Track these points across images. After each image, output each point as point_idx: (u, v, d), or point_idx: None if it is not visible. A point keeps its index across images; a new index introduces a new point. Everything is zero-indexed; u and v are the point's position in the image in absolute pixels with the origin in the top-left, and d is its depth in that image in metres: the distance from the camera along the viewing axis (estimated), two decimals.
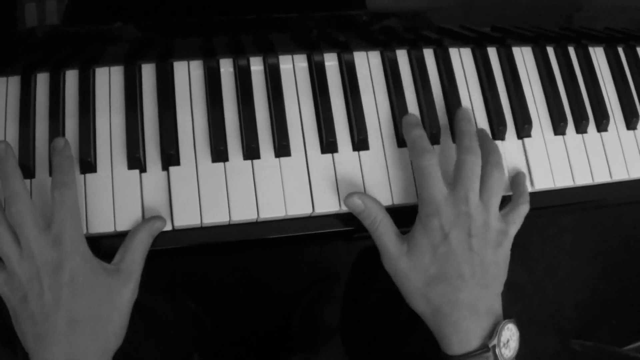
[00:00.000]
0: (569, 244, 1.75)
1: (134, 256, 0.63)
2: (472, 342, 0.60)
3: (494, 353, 0.60)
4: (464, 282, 0.61)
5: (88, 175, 0.66)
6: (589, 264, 1.75)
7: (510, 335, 0.62)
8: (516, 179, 0.72)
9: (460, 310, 0.61)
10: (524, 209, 0.68)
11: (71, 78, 0.70)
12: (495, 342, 0.60)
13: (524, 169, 0.75)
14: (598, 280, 1.74)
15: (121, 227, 0.65)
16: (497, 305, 0.64)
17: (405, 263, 0.63)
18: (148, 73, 0.71)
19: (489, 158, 0.67)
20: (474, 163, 0.64)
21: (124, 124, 0.69)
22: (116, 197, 0.66)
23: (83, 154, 0.66)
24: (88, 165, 0.66)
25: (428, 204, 0.63)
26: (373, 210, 0.65)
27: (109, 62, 0.71)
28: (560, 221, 1.75)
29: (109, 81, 0.70)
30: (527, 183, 0.73)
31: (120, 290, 0.61)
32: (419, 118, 0.72)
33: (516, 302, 1.68)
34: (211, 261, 1.09)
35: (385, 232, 0.65)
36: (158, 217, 0.66)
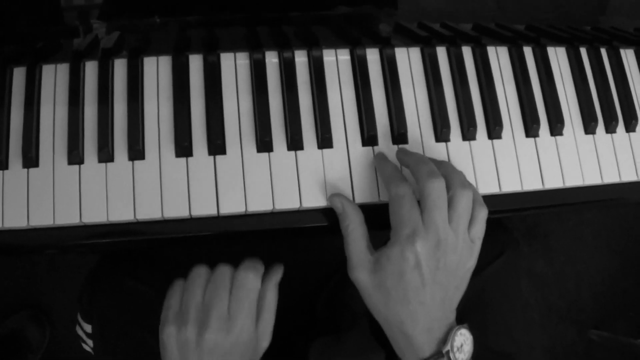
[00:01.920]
0: (589, 236, 1.71)
1: (269, 316, 0.69)
2: (426, 351, 0.61)
3: (448, 358, 0.61)
4: (424, 307, 0.61)
5: (136, 162, 0.66)
6: (609, 256, 1.72)
7: (463, 340, 0.62)
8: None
9: (416, 329, 0.61)
10: (484, 215, 0.66)
11: (119, 67, 0.69)
12: (448, 347, 0.61)
13: (556, 167, 0.73)
14: (617, 273, 1.72)
15: (168, 213, 0.65)
16: (451, 317, 0.64)
17: (369, 279, 0.63)
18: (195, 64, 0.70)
19: (452, 180, 0.63)
20: (439, 188, 0.62)
21: (172, 113, 0.68)
22: (163, 183, 0.66)
23: (132, 142, 0.65)
24: (137, 152, 0.65)
25: (402, 230, 0.61)
26: (348, 217, 0.64)
27: (157, 52, 0.70)
28: (581, 214, 1.71)
29: (156, 70, 0.70)
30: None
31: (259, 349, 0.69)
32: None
33: (536, 291, 1.65)
34: (237, 249, 1.12)
35: (354, 241, 0.64)
36: (277, 268, 0.72)
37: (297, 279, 1.17)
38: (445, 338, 0.62)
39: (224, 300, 0.65)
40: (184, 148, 0.67)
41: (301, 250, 1.09)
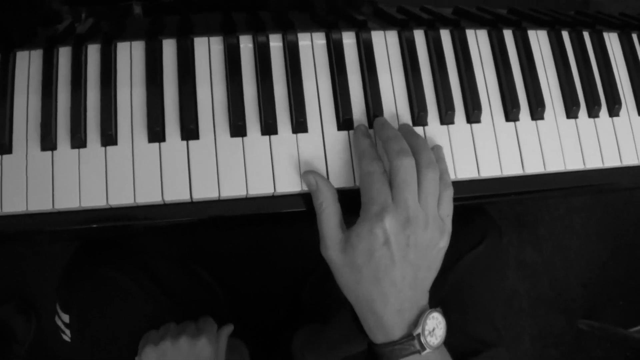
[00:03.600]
0: (578, 224, 1.69)
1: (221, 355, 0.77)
2: (396, 332, 0.60)
3: (419, 341, 0.59)
4: (394, 286, 0.60)
5: (109, 148, 0.64)
6: (598, 244, 1.70)
7: (436, 324, 0.61)
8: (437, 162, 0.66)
9: (386, 308, 0.60)
10: (450, 194, 0.65)
11: (93, 52, 0.68)
12: (419, 330, 0.59)
13: (537, 152, 0.71)
14: (606, 261, 1.69)
15: (141, 199, 0.63)
16: (423, 299, 0.63)
17: (340, 257, 0.61)
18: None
19: (420, 159, 0.62)
20: (408, 166, 0.61)
21: (145, 98, 0.66)
22: (136, 169, 0.64)
23: (104, 127, 0.64)
24: (109, 138, 0.64)
25: (371, 207, 0.60)
26: (322, 194, 0.63)
27: (131, 37, 0.68)
28: (571, 202, 1.69)
29: (130, 56, 0.68)
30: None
31: None
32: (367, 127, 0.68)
33: (525, 280, 1.63)
34: (222, 235, 1.11)
35: (327, 219, 0.63)
36: (228, 325, 0.82)
37: (282, 268, 1.17)
38: (417, 321, 0.61)
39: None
40: (156, 133, 0.65)
41: (286, 238, 1.07)
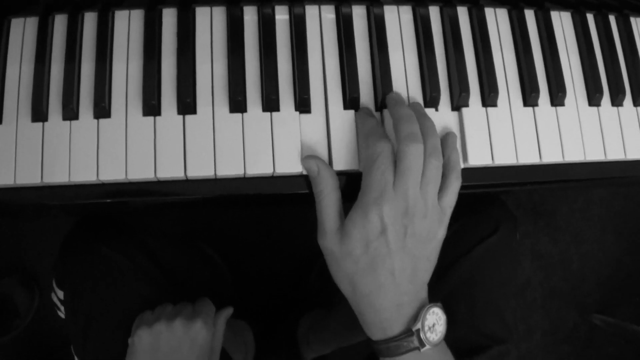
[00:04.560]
0: (597, 217, 1.62)
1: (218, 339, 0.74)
2: (395, 328, 0.57)
3: (419, 337, 0.56)
4: (392, 278, 0.56)
5: (101, 121, 0.60)
6: (616, 238, 1.62)
7: (436, 320, 0.57)
8: (444, 146, 0.62)
9: (384, 302, 0.56)
10: (457, 185, 0.60)
11: (90, 21, 0.64)
12: (419, 326, 0.56)
13: (556, 140, 0.66)
14: (623, 256, 1.62)
15: (132, 175, 0.59)
16: (422, 293, 0.59)
17: (337, 247, 0.57)
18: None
19: (426, 145, 0.58)
20: (416, 153, 0.56)
21: (142, 70, 0.62)
22: (129, 143, 0.60)
23: (97, 98, 0.60)
24: (102, 110, 0.60)
25: (371, 191, 0.56)
26: (323, 181, 0.59)
27: (130, 6, 0.64)
28: (590, 193, 1.61)
29: (128, 25, 0.64)
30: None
31: None
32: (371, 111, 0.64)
33: (539, 271, 1.56)
34: (231, 215, 1.08)
35: (327, 207, 0.58)
36: (227, 308, 0.78)
37: (291, 250, 1.13)
38: (416, 316, 0.57)
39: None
40: (151, 106, 0.60)
41: (296, 220, 1.03)
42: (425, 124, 0.59)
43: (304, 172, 0.61)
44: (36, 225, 1.31)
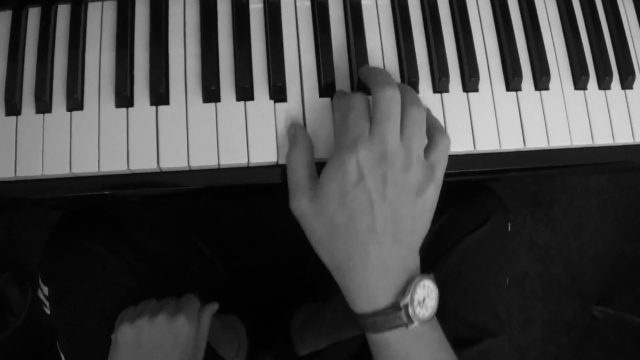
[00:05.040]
0: (595, 206, 1.58)
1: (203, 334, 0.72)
2: (381, 300, 0.51)
3: (407, 313, 0.50)
4: (374, 235, 0.51)
5: (74, 113, 0.58)
6: (615, 228, 1.58)
7: (427, 293, 0.52)
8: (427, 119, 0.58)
9: (367, 267, 0.51)
10: (445, 143, 0.55)
11: (63, 13, 0.62)
12: (407, 300, 0.50)
13: (541, 126, 0.63)
14: (623, 246, 1.58)
15: (105, 167, 0.57)
16: (411, 261, 0.53)
17: (310, 206, 0.53)
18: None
19: (405, 96, 0.54)
20: (392, 98, 0.52)
21: (114, 61, 0.60)
22: (102, 135, 0.58)
23: (70, 91, 0.58)
24: (75, 102, 0.58)
25: (345, 143, 0.52)
26: (298, 143, 0.56)
27: None
28: (588, 182, 1.58)
29: (101, 16, 0.62)
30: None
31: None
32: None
33: (538, 262, 1.53)
34: (225, 207, 1.06)
35: (296, 167, 0.55)
36: (212, 303, 0.75)
37: (285, 244, 1.11)
38: (405, 288, 0.51)
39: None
40: (123, 97, 0.59)
41: (290, 213, 1.02)
42: (403, 85, 0.57)
43: (281, 162, 0.59)
44: (29, 222, 1.30)
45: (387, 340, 0.52)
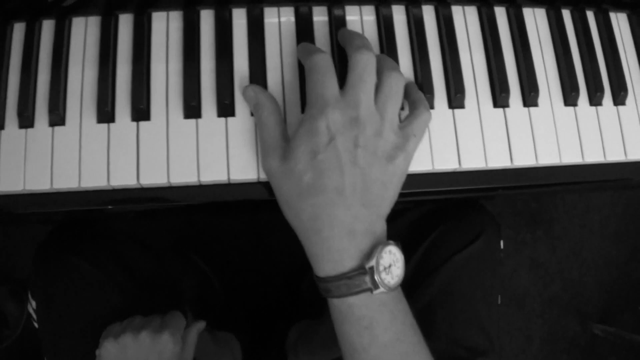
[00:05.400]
0: (597, 223, 1.54)
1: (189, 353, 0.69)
2: (346, 263, 0.50)
3: (372, 277, 0.49)
4: (342, 197, 0.49)
5: (56, 128, 0.58)
6: (617, 245, 1.55)
7: (392, 260, 0.50)
8: (408, 87, 0.58)
9: (334, 228, 0.49)
10: (425, 117, 0.55)
11: (47, 28, 0.61)
12: (373, 263, 0.49)
13: (529, 142, 0.61)
14: (625, 263, 1.54)
15: (85, 183, 0.56)
16: (379, 227, 0.52)
17: (279, 165, 0.52)
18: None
19: (384, 63, 0.53)
20: (367, 61, 0.51)
21: (97, 77, 0.59)
22: (83, 151, 0.57)
23: (52, 106, 0.58)
24: (57, 117, 0.58)
25: (315, 104, 0.51)
26: (263, 105, 0.55)
27: (86, 13, 0.61)
28: (589, 200, 1.55)
29: (85, 32, 0.61)
30: None
31: None
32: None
33: (537, 280, 1.50)
34: (222, 224, 1.05)
35: (267, 128, 0.54)
36: (199, 321, 0.73)
37: (283, 259, 1.10)
38: (371, 252, 0.50)
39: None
40: (105, 113, 0.58)
41: (286, 228, 1.01)
42: (382, 55, 0.56)
43: (262, 179, 0.58)
44: (25, 235, 1.30)
45: (350, 305, 0.50)
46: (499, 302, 0.79)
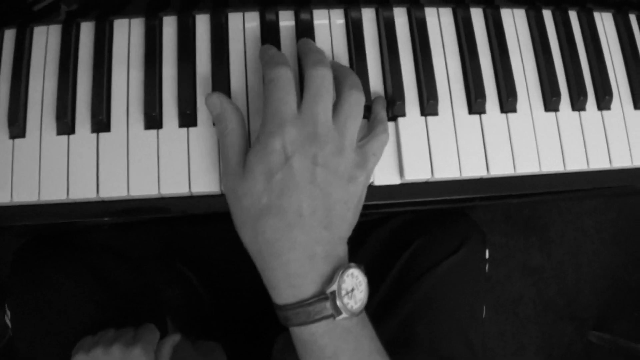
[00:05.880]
0: (592, 228, 1.49)
1: None
2: (307, 288, 0.47)
3: (334, 303, 0.46)
4: (301, 218, 0.47)
5: (16, 141, 0.55)
6: (613, 250, 1.49)
7: (355, 284, 0.47)
8: (373, 105, 0.56)
9: (293, 251, 0.47)
10: (384, 137, 0.52)
11: (8, 37, 0.58)
12: (334, 287, 0.46)
13: (507, 151, 0.58)
14: (621, 269, 1.49)
15: (45, 196, 0.54)
16: (340, 249, 0.49)
17: (237, 184, 0.48)
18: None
19: (346, 79, 0.51)
20: (324, 77, 0.49)
21: (56, 87, 0.56)
22: (43, 164, 0.55)
23: (12, 118, 0.55)
24: (17, 129, 0.55)
25: (272, 120, 0.48)
26: (226, 118, 0.51)
27: (47, 22, 0.59)
28: (585, 204, 1.50)
29: (46, 41, 0.58)
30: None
31: None
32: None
33: (532, 286, 1.45)
34: (209, 233, 1.02)
35: (231, 144, 0.50)
36: (173, 335, 0.69)
37: None
38: (332, 276, 0.47)
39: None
40: (64, 125, 0.55)
41: None
42: (345, 68, 0.53)
43: (220, 192, 0.55)
44: (12, 246, 1.28)
45: (312, 334, 0.47)
46: (484, 314, 0.75)
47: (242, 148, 0.51)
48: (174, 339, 0.70)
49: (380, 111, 0.55)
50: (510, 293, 1.44)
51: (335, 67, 0.53)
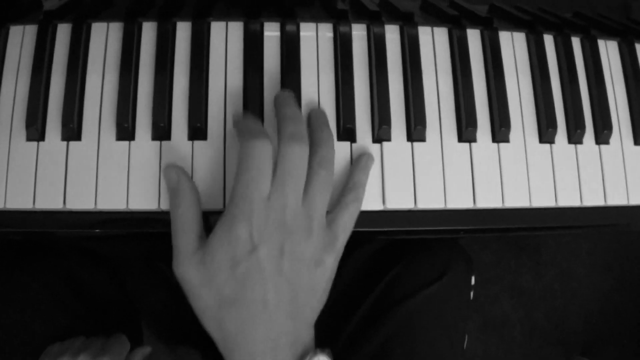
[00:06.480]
0: (584, 251, 1.44)
1: None
2: None
3: None
4: (266, 310, 0.44)
5: None
6: (605, 275, 1.44)
7: None
8: (352, 166, 0.52)
9: (257, 344, 0.44)
10: (354, 208, 0.49)
11: None
12: None
13: (496, 183, 0.54)
14: (612, 294, 1.44)
15: (11, 204, 0.51)
16: (306, 335, 0.47)
17: (196, 273, 0.45)
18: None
19: (317, 151, 0.47)
20: (297, 155, 0.45)
21: (27, 92, 0.53)
22: (10, 171, 0.51)
23: None
24: None
25: (239, 203, 0.44)
26: (180, 194, 0.47)
27: (24, 22, 0.55)
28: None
29: (21, 42, 0.54)
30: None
31: None
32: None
33: (520, 307, 1.41)
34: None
35: (183, 225, 0.46)
36: (143, 347, 0.66)
37: None
38: None
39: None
40: (34, 131, 0.51)
41: None
42: (321, 133, 0.49)
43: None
44: None
45: None
46: (465, 344, 0.71)
47: (197, 231, 0.47)
48: (144, 351, 0.67)
49: (357, 173, 0.51)
50: (498, 314, 1.39)
51: (312, 123, 0.50)
